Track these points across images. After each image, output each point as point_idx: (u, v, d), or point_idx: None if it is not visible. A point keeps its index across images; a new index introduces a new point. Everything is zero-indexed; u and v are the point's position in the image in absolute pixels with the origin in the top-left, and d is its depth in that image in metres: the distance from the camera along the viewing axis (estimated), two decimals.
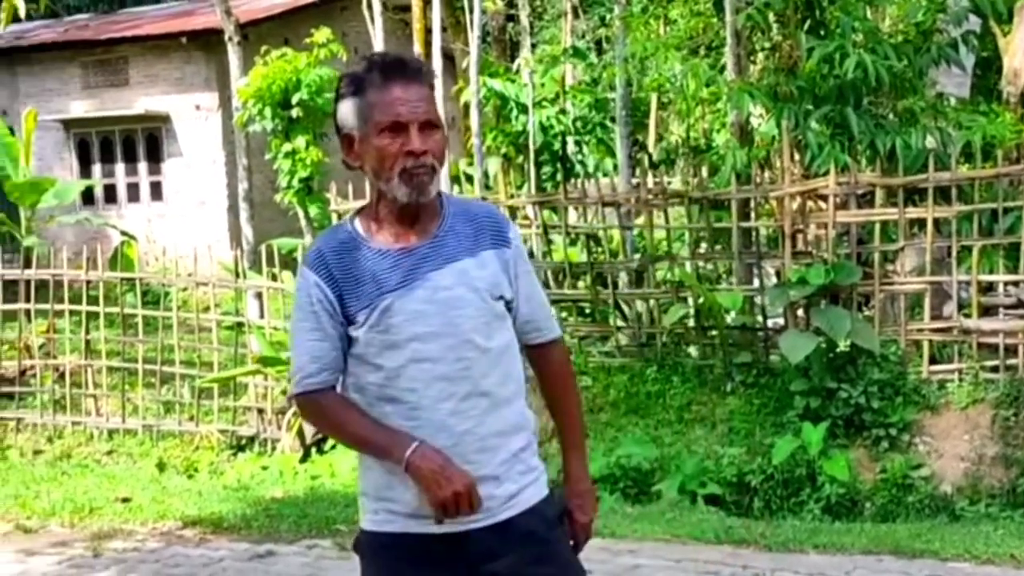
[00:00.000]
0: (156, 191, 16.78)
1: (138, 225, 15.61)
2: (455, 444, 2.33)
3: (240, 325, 9.99)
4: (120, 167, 16.88)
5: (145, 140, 16.72)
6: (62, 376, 10.28)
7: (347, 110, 2.40)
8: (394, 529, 2.38)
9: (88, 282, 10.21)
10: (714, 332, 8.79)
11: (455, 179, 11.11)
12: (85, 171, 16.83)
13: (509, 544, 2.37)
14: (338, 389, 2.44)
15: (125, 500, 7.21)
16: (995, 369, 7.85)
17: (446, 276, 2.37)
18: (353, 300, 2.38)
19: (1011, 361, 7.82)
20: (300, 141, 9.90)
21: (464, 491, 2.27)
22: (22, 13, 12.46)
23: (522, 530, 2.38)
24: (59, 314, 10.38)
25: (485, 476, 2.35)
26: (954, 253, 8.11)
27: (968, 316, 7.81)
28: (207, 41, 15.62)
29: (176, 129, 16.48)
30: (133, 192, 16.90)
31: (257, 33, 14.19)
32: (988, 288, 8.06)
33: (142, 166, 16.83)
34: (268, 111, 9.92)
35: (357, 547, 2.47)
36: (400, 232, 2.39)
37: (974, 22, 9.30)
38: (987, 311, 7.75)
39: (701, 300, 8.61)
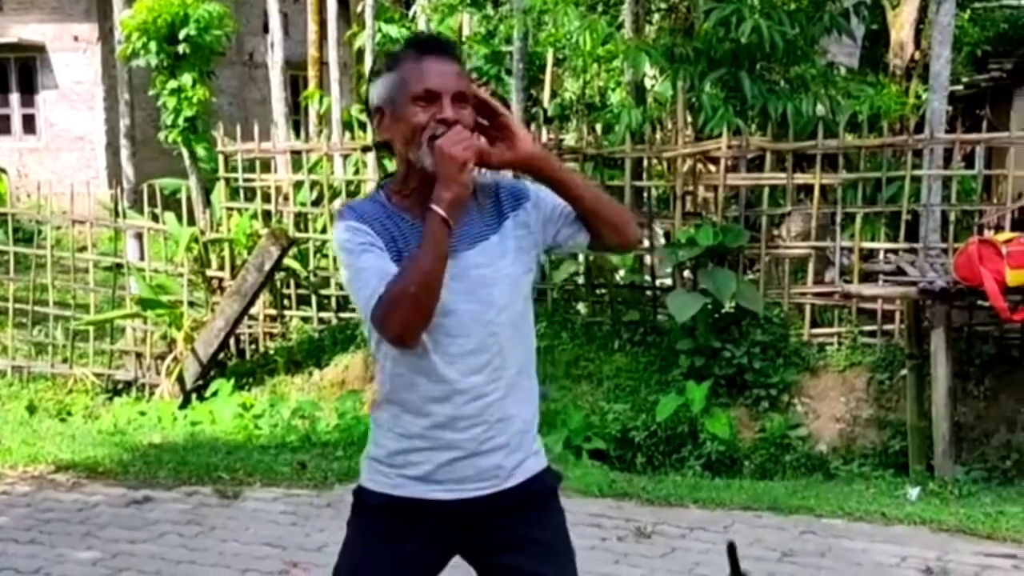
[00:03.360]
0: (29, 124, 16.09)
1: (9, 159, 14.97)
2: (480, 414, 2.40)
3: (119, 266, 9.67)
4: None
5: (18, 70, 16.00)
6: None
7: (381, 85, 2.41)
8: (404, 493, 2.44)
9: None
10: (603, 290, 8.85)
11: (347, 125, 10.90)
12: None
13: (509, 509, 2.45)
14: (376, 357, 2.45)
15: None
16: (872, 334, 8.10)
17: (477, 254, 2.39)
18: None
19: (888, 327, 8.08)
20: (186, 78, 9.53)
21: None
22: None
23: (522, 496, 2.47)
24: None
25: (501, 445, 2.43)
26: (838, 220, 8.31)
27: (849, 282, 8.01)
28: None
29: (52, 60, 15.80)
30: (3, 124, 16.18)
31: None
32: (869, 255, 8.29)
33: (14, 97, 16.12)
34: (153, 45, 9.52)
35: (357, 503, 2.53)
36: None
37: None
38: (867, 277, 7.96)
39: (592, 257, 8.65)
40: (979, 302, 6.99)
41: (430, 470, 2.42)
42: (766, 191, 8.41)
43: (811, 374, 7.93)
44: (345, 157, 9.76)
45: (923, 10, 11.33)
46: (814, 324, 8.30)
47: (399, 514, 2.45)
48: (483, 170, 2.43)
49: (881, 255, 8.15)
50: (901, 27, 11.41)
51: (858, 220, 8.19)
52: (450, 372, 2.38)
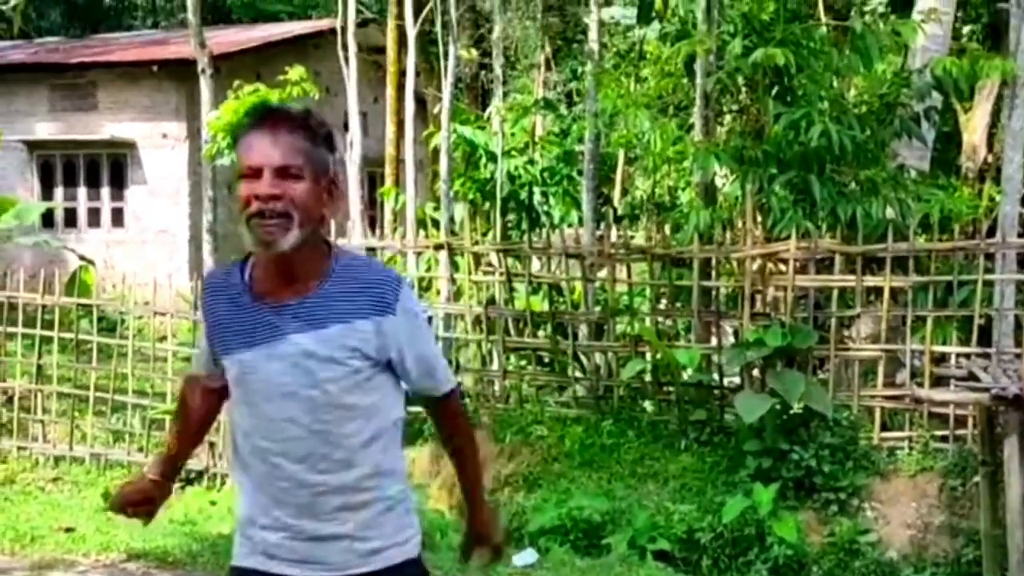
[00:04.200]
0: (117, 217, 16.67)
1: (97, 250, 15.44)
2: (311, 503, 2.38)
3: None
4: (82, 191, 16.77)
5: (110, 166, 16.64)
6: (10, 400, 10.12)
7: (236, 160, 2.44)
8: (249, 564, 2.44)
9: (43, 306, 10.10)
10: (670, 388, 8.84)
11: (421, 223, 11.14)
12: (47, 193, 16.70)
13: None
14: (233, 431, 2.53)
15: (69, 530, 7.10)
16: (944, 439, 7.98)
17: (309, 341, 2.34)
18: (220, 344, 2.44)
19: (960, 432, 7.95)
20: None
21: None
22: None
23: None
24: (11, 336, 10.24)
25: (343, 534, 2.39)
26: (908, 322, 8.24)
27: (920, 385, 7.92)
28: (178, 71, 15.61)
29: (142, 156, 16.40)
30: (94, 217, 16.78)
31: (229, 66, 14.19)
32: (940, 359, 8.19)
33: (105, 191, 16.72)
34: None
35: None
36: (277, 285, 2.37)
37: (936, 98, 9.52)
38: (939, 381, 7.86)
39: (659, 356, 8.67)
40: None
41: (272, 543, 2.40)
42: (835, 293, 8.39)
43: (881, 478, 7.81)
44: (418, 254, 9.95)
45: (995, 114, 11.33)
46: (884, 427, 8.19)
47: None
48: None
49: (953, 359, 8.05)
50: (973, 131, 11.40)
51: (929, 323, 8.12)
52: (274, 456, 2.37)
